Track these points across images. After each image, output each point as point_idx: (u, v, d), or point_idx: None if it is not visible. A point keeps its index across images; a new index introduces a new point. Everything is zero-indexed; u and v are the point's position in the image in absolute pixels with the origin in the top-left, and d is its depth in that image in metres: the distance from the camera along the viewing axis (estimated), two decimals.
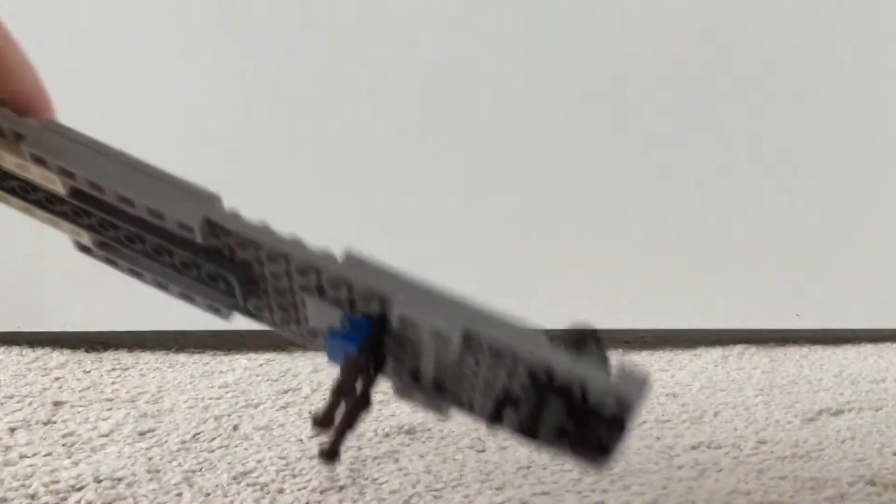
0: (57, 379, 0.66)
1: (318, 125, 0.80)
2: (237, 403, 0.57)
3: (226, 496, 0.38)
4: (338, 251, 0.28)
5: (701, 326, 0.84)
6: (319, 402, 0.58)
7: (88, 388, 0.62)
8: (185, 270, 0.31)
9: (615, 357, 0.27)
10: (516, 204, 0.82)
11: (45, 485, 0.39)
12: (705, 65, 0.87)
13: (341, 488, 0.39)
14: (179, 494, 0.38)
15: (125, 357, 0.76)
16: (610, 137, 0.84)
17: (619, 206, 0.83)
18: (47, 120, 0.29)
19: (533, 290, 0.83)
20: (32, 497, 0.38)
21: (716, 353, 0.79)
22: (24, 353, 0.75)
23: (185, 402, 0.57)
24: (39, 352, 0.76)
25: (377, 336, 0.27)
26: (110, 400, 0.58)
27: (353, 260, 0.27)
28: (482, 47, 0.82)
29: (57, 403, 0.56)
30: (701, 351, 0.79)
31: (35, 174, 0.30)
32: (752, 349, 0.81)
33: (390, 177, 0.81)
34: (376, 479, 0.41)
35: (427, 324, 0.26)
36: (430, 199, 0.82)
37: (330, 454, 0.27)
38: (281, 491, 0.39)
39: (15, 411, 0.53)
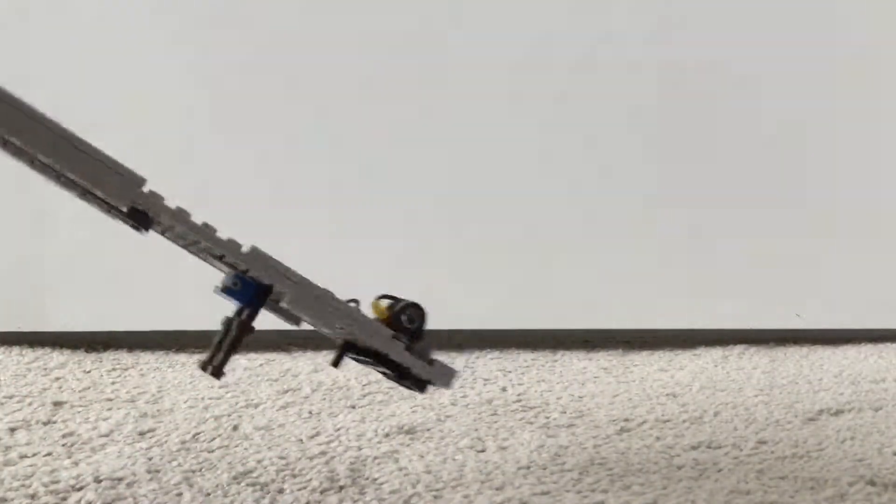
0: (57, 379, 0.65)
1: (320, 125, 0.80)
2: (237, 403, 0.57)
3: (226, 496, 0.38)
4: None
5: (701, 326, 0.84)
6: (319, 401, 0.58)
7: (88, 388, 0.62)
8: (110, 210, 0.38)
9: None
10: (518, 204, 0.82)
11: (45, 485, 0.39)
12: (704, 65, 0.86)
13: (341, 488, 0.39)
14: (179, 494, 0.38)
15: (125, 357, 0.76)
16: (610, 137, 0.84)
17: (619, 207, 0.83)
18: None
19: (534, 290, 0.83)
20: (32, 497, 0.38)
21: (716, 353, 0.79)
22: (24, 353, 0.75)
23: (185, 402, 0.57)
24: (39, 352, 0.76)
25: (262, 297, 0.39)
26: (110, 400, 0.58)
27: (255, 253, 0.38)
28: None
29: (57, 403, 0.56)
30: (701, 351, 0.79)
31: None
32: (752, 349, 0.81)
33: (390, 177, 0.81)
34: (376, 479, 0.41)
35: (314, 324, 0.40)
36: (434, 198, 0.82)
37: (216, 373, 0.40)
38: (281, 491, 0.39)
39: (15, 411, 0.53)
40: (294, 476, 0.41)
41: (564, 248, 0.83)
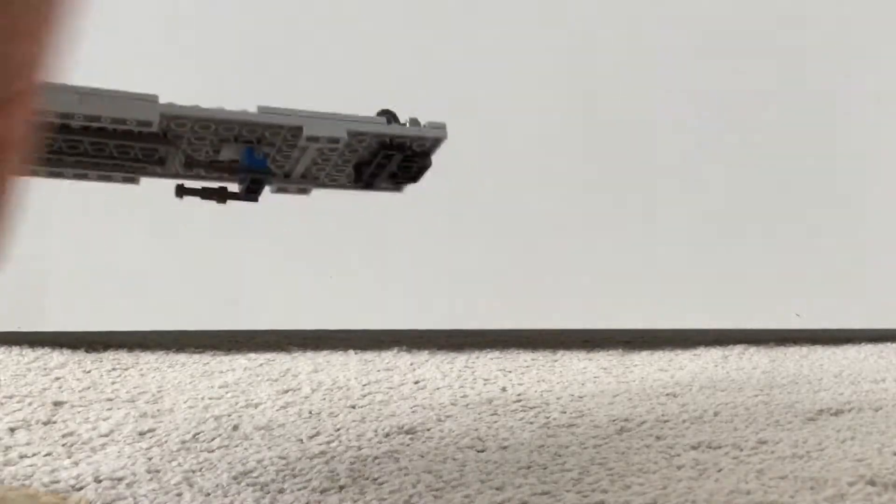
0: (57, 379, 0.65)
1: None
2: (237, 403, 0.57)
3: (226, 496, 0.38)
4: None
5: (701, 326, 0.84)
6: (319, 401, 0.58)
7: (88, 388, 0.62)
8: (120, 157, 0.43)
9: None
10: (519, 205, 0.82)
11: (45, 485, 0.39)
12: (704, 65, 0.87)
13: (341, 488, 0.39)
14: (179, 494, 0.38)
15: (125, 357, 0.76)
16: (611, 138, 0.84)
17: (619, 207, 0.83)
18: None
19: (535, 291, 0.83)
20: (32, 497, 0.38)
21: (716, 353, 0.79)
22: (24, 353, 0.75)
23: (185, 402, 0.57)
24: (39, 352, 0.76)
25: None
26: (110, 400, 0.58)
27: (264, 110, 0.41)
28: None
29: (57, 403, 0.56)
30: (701, 351, 0.79)
31: None
32: (752, 349, 0.81)
33: None
34: (376, 479, 0.41)
35: (326, 135, 0.42)
36: (434, 197, 0.82)
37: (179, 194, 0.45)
38: (281, 491, 0.39)
39: (15, 411, 0.53)
40: (294, 476, 0.41)
41: (565, 247, 0.83)
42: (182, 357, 0.76)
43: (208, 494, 0.38)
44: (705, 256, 0.76)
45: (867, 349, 0.85)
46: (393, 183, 0.47)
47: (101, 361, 0.73)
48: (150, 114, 0.39)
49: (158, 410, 0.55)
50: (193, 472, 0.41)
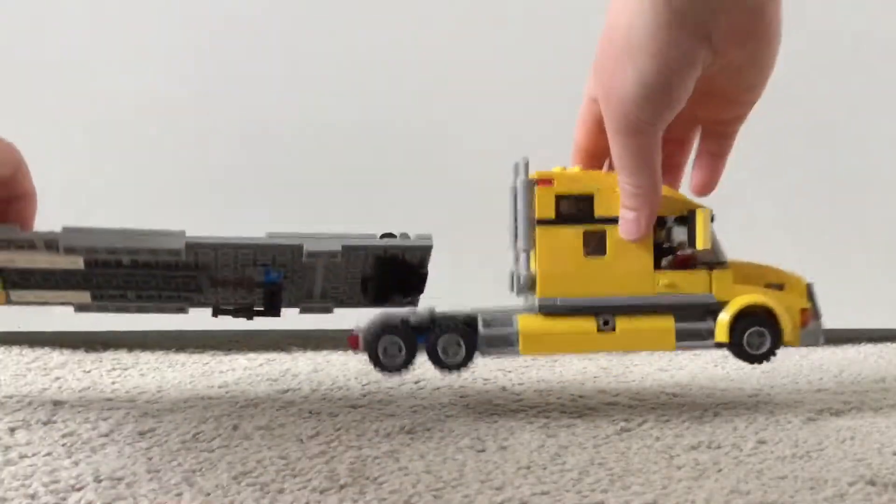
0: (57, 379, 0.66)
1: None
2: (237, 403, 0.57)
3: (226, 496, 0.38)
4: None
5: None
6: (319, 401, 0.58)
7: (88, 388, 0.62)
8: (162, 288, 0.52)
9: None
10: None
11: (45, 485, 0.39)
12: None
13: (341, 488, 0.39)
14: (179, 494, 0.38)
15: (125, 357, 0.76)
16: None
17: None
18: (64, 227, 0.48)
19: None
20: (32, 497, 0.38)
21: (716, 352, 0.79)
22: (24, 353, 0.75)
23: (185, 402, 0.57)
24: (39, 352, 0.76)
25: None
26: (110, 400, 0.58)
27: (272, 235, 0.50)
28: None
29: (57, 403, 0.56)
30: (701, 351, 0.79)
31: (42, 262, 0.49)
32: None
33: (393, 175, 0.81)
34: (376, 479, 0.41)
35: (323, 250, 0.49)
36: (434, 198, 0.82)
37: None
38: (281, 491, 0.39)
39: (15, 411, 0.53)
40: (294, 476, 0.41)
41: None
42: (182, 357, 0.76)
43: (208, 494, 0.38)
44: None
45: (867, 349, 0.85)
46: (403, 296, 0.54)
47: (101, 361, 0.73)
48: (178, 244, 0.48)
49: (158, 410, 0.55)
50: (193, 472, 0.41)
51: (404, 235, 0.52)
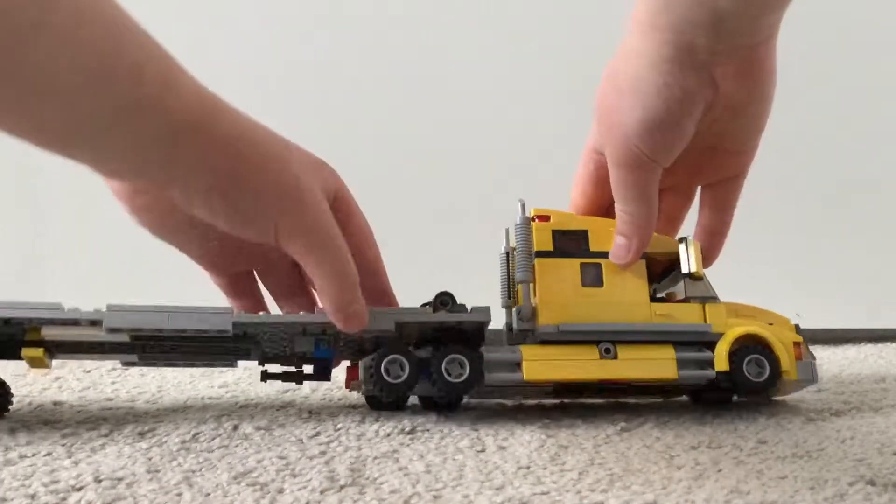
0: (57, 379, 0.66)
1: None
2: (237, 403, 0.57)
3: (226, 496, 0.38)
4: None
5: None
6: (319, 401, 0.58)
7: (88, 387, 0.62)
8: (211, 353, 0.52)
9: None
10: (517, 204, 0.82)
11: (45, 485, 0.39)
12: None
13: (341, 488, 0.39)
14: (179, 494, 0.38)
15: None
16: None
17: None
18: (108, 306, 0.48)
19: None
20: (32, 497, 0.38)
21: None
22: None
23: (185, 402, 0.57)
24: None
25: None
26: (110, 400, 0.58)
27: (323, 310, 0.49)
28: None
29: (57, 403, 0.56)
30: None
31: (87, 336, 0.49)
32: None
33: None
34: (376, 479, 0.41)
35: (376, 328, 0.50)
36: (433, 198, 0.82)
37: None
38: (281, 491, 0.39)
39: (15, 411, 0.53)
40: (294, 476, 0.41)
41: None
42: None
43: (208, 494, 0.38)
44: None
45: (867, 349, 0.85)
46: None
47: (101, 361, 0.73)
48: (225, 324, 0.48)
49: (158, 410, 0.55)
50: (193, 472, 0.41)
51: (461, 307, 0.51)
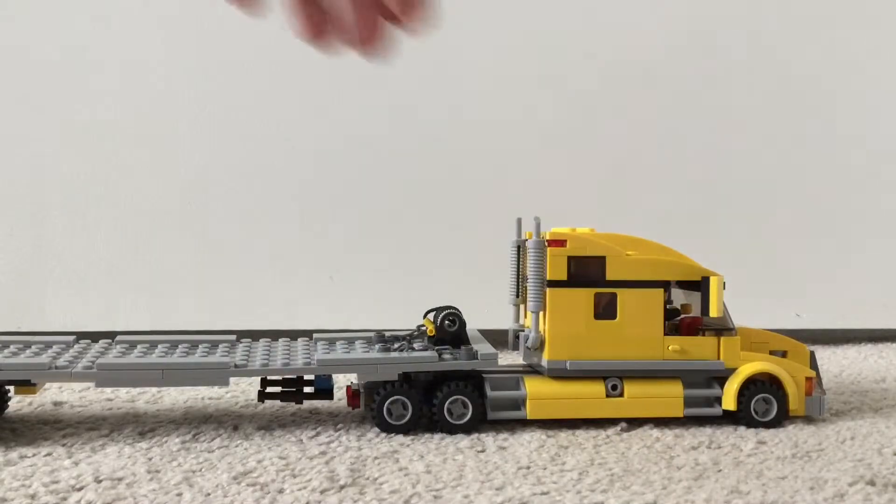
0: None
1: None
2: (237, 403, 0.57)
3: (226, 496, 0.38)
4: None
5: None
6: (319, 401, 0.58)
7: (88, 387, 0.62)
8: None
9: None
10: (517, 204, 0.82)
11: (45, 485, 0.39)
12: (706, 61, 0.87)
13: (341, 488, 0.39)
14: (179, 494, 0.38)
15: None
16: (613, 134, 0.84)
17: (618, 206, 0.83)
18: (98, 364, 0.47)
19: None
20: (32, 497, 0.38)
21: None
22: None
23: (185, 402, 0.57)
24: None
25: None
26: (110, 400, 0.58)
27: (323, 361, 0.51)
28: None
29: (57, 403, 0.56)
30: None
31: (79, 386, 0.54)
32: None
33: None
34: (376, 479, 0.41)
35: (380, 379, 0.50)
36: (433, 198, 0.82)
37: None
38: (281, 491, 0.39)
39: (15, 411, 0.53)
40: (294, 476, 0.41)
41: None
42: None
43: (208, 494, 0.38)
44: (705, 256, 0.76)
45: (867, 349, 0.85)
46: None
47: None
48: (222, 380, 0.49)
49: (158, 410, 0.55)
50: (193, 472, 0.41)
51: (469, 351, 0.51)
